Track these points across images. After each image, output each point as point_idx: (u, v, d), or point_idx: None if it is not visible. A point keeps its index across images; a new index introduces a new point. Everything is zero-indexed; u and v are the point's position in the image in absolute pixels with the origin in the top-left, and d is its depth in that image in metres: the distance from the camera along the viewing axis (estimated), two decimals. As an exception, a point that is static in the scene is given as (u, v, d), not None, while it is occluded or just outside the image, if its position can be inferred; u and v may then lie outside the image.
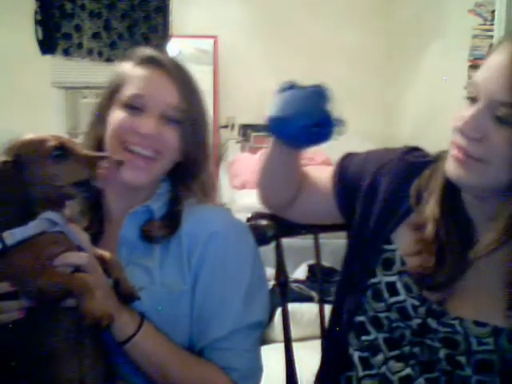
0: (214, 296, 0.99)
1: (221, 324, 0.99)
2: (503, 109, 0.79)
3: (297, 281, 2.44)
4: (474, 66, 3.11)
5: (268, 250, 1.20)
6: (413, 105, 4.13)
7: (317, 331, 1.29)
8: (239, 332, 0.99)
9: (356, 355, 0.99)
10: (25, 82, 3.95)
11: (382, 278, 0.97)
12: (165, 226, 1.00)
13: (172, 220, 1.01)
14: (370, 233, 1.00)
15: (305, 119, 0.91)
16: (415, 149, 1.05)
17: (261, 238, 1.17)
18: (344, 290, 1.06)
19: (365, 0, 4.43)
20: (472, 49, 3.13)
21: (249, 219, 1.22)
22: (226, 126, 4.42)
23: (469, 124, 0.82)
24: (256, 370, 1.04)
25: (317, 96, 0.93)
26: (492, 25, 2.81)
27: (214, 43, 4.26)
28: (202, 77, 4.97)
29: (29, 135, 0.90)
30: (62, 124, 4.09)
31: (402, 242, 0.97)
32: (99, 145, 1.04)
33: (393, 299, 0.96)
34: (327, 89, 0.93)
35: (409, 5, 4.20)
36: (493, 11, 2.83)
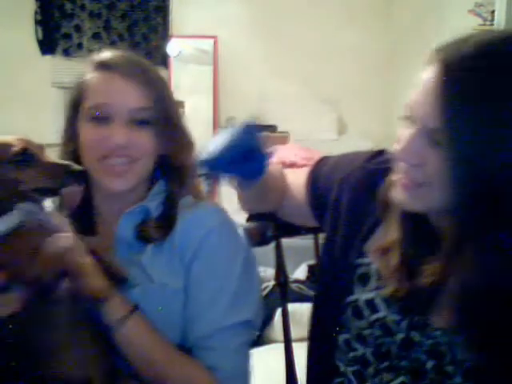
0: (202, 294, 0.99)
1: (206, 322, 0.98)
2: (436, 134, 0.77)
3: (297, 281, 2.44)
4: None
5: (268, 250, 1.20)
6: (413, 105, 4.13)
7: (317, 331, 1.29)
8: (225, 331, 0.99)
9: (349, 370, 0.98)
10: (25, 82, 3.95)
11: (360, 296, 0.96)
12: (160, 227, 1.00)
13: (167, 221, 1.01)
14: (340, 248, 0.99)
15: (232, 155, 0.92)
16: (380, 153, 1.01)
17: (261, 238, 1.17)
18: (321, 306, 1.04)
19: (365, 0, 4.42)
20: (472, 49, 3.13)
21: (249, 219, 1.21)
22: (225, 126, 4.41)
23: (406, 151, 0.81)
24: (243, 371, 1.03)
25: (245, 133, 0.94)
26: (492, 25, 2.81)
27: (214, 43, 4.26)
28: (201, 77, 4.96)
29: None
30: (61, 124, 4.10)
31: (377, 247, 0.95)
32: (76, 159, 1.01)
33: (374, 316, 0.95)
34: (255, 125, 0.95)
35: (409, 5, 4.20)
36: (493, 11, 2.83)
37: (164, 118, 1.00)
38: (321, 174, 1.08)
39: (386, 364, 0.95)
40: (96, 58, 1.02)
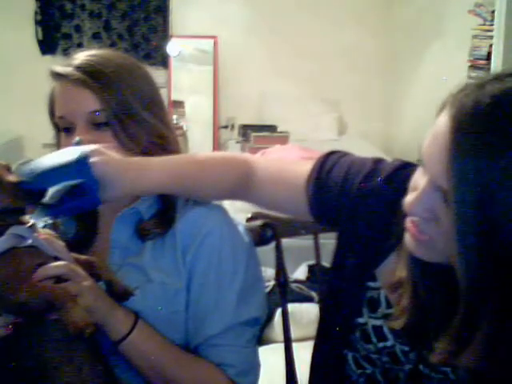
0: (209, 293, 0.99)
1: (216, 321, 0.99)
2: (446, 193, 0.73)
3: (297, 281, 2.44)
4: (473, 66, 3.11)
5: (268, 250, 1.20)
6: (413, 105, 4.14)
7: (317, 331, 1.29)
8: (234, 328, 0.99)
9: (360, 380, 0.98)
10: (25, 82, 3.95)
11: (368, 320, 0.94)
12: (159, 223, 1.01)
13: (165, 216, 1.01)
14: (352, 267, 0.96)
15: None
16: (403, 166, 0.94)
17: (261, 238, 1.17)
18: (330, 321, 1.02)
19: (365, 1, 4.43)
20: (472, 49, 3.13)
21: (249, 219, 1.21)
22: (225, 126, 4.42)
23: (417, 204, 0.77)
24: (253, 366, 1.04)
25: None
26: (492, 25, 2.81)
27: (214, 43, 4.26)
28: (202, 77, 4.96)
29: None
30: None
31: (386, 278, 0.92)
32: None
33: (381, 344, 0.93)
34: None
35: (409, 5, 4.20)
36: (493, 11, 2.83)
37: (126, 117, 0.99)
38: (329, 180, 0.99)
39: None
40: (52, 67, 1.03)
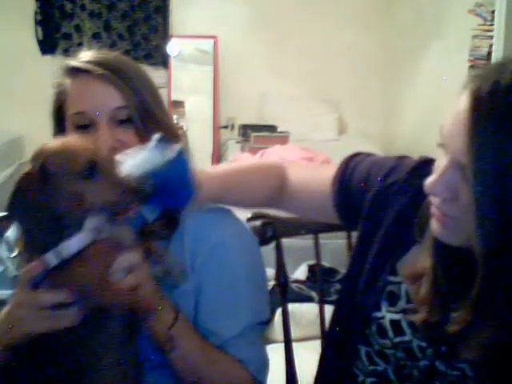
0: (223, 300, 1.00)
1: (235, 323, 1.00)
2: (466, 169, 0.75)
3: (297, 281, 2.44)
4: (473, 66, 3.11)
5: (268, 250, 1.20)
6: (413, 105, 4.14)
7: (317, 331, 1.29)
8: (251, 328, 1.02)
9: (368, 381, 0.97)
10: (25, 82, 3.96)
11: (386, 314, 0.93)
12: (164, 225, 1.01)
13: (170, 218, 1.01)
14: (372, 262, 0.96)
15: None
16: (426, 162, 0.94)
17: (261, 238, 1.17)
18: (346, 314, 1.02)
19: (365, 0, 4.43)
20: (472, 49, 3.13)
21: (249, 219, 1.21)
22: (226, 126, 4.41)
23: (438, 184, 0.79)
24: (266, 361, 1.06)
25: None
26: (492, 25, 2.80)
27: (214, 43, 4.26)
28: (201, 77, 4.94)
29: (58, 143, 0.84)
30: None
31: (408, 270, 0.92)
32: None
33: (398, 339, 0.92)
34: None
35: (409, 5, 4.20)
36: (493, 11, 2.82)
37: (145, 114, 0.99)
38: (353, 178, 1.01)
39: None
40: (68, 63, 1.01)
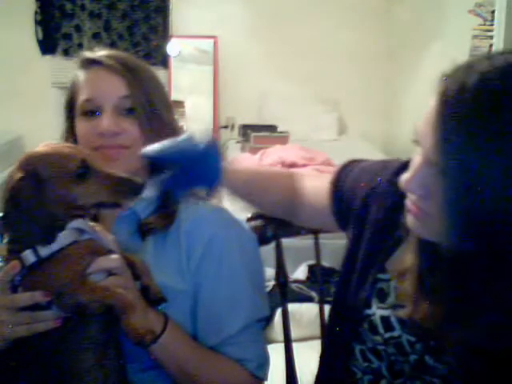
0: (222, 297, 1.01)
1: (233, 321, 1.01)
2: (438, 167, 0.76)
3: (297, 281, 2.44)
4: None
5: (268, 250, 1.20)
6: (413, 105, 4.14)
7: (317, 331, 1.29)
8: (250, 326, 1.02)
9: (365, 378, 0.98)
10: (25, 82, 3.95)
11: (376, 311, 0.95)
12: (161, 218, 1.01)
13: (167, 211, 1.02)
14: (362, 261, 0.98)
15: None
16: (408, 164, 0.97)
17: (261, 238, 1.17)
18: (339, 313, 1.04)
19: (365, 1, 4.43)
20: (472, 49, 3.13)
21: (249, 219, 1.22)
22: (226, 126, 4.42)
23: (412, 181, 0.80)
24: (267, 358, 1.07)
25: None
26: (492, 25, 2.81)
27: (214, 43, 4.26)
28: (202, 77, 4.94)
29: (46, 148, 0.85)
30: (61, 124, 4.10)
31: (395, 267, 0.94)
32: None
33: (388, 334, 0.94)
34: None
35: (409, 5, 4.20)
36: (493, 11, 2.82)
37: (149, 107, 1.03)
38: (345, 184, 1.04)
39: (400, 381, 0.94)
40: (81, 55, 1.07)
